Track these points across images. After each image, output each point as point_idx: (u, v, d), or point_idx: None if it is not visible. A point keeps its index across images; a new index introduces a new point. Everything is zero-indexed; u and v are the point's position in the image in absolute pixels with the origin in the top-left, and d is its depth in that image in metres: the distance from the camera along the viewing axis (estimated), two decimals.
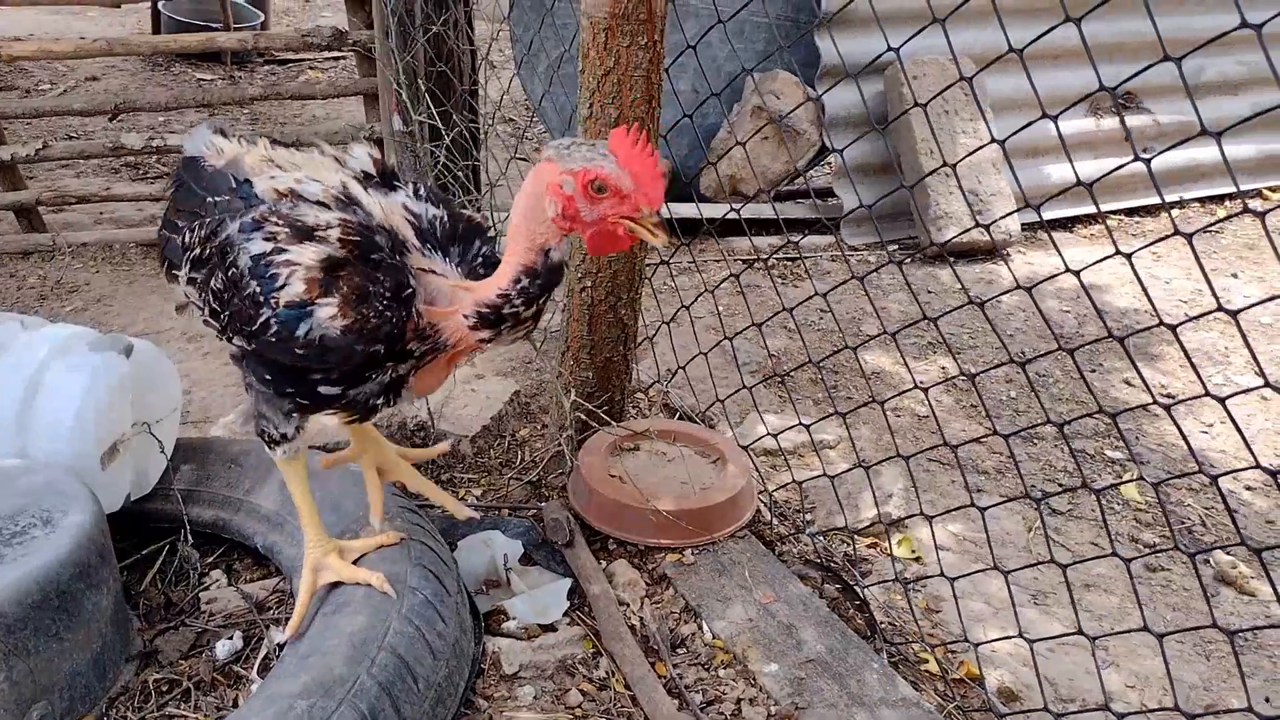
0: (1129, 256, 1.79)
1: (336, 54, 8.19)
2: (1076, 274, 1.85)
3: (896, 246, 4.99)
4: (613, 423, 2.78)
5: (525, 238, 1.66)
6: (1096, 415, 2.02)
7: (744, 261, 4.68)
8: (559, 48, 4.81)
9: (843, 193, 4.93)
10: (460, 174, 4.21)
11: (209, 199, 1.82)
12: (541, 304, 1.72)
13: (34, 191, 4.61)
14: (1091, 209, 5.53)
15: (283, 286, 1.63)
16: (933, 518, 2.21)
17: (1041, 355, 2.01)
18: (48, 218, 4.78)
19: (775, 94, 4.82)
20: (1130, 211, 5.75)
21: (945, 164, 2.05)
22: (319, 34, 4.38)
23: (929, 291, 4.53)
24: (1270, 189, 5.94)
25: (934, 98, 2.24)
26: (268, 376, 1.78)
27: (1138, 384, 3.91)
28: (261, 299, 1.65)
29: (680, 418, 3.21)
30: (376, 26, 4.26)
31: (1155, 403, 1.86)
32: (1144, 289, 1.76)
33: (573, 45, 3.43)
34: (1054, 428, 3.52)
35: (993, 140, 2.00)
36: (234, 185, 1.80)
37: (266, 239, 1.66)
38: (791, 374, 3.64)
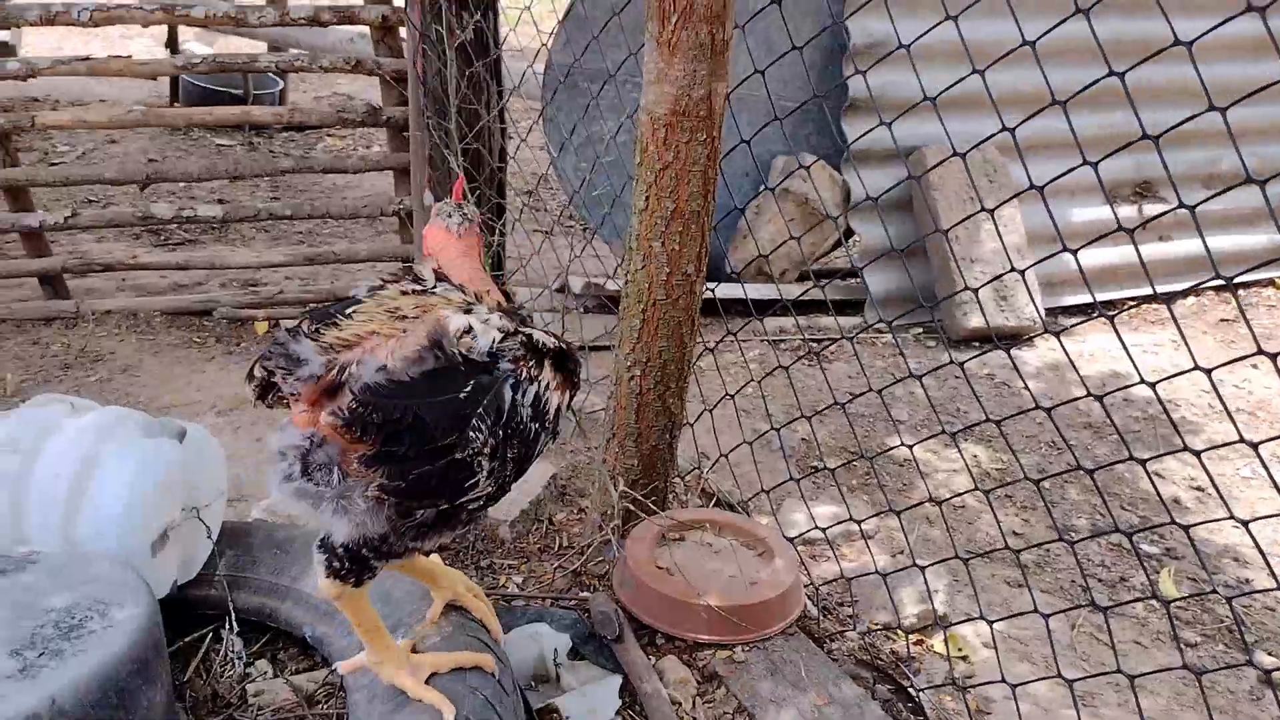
0: (1209, 373, 1.79)
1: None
2: (1153, 387, 1.84)
3: (921, 329, 5.01)
4: (659, 511, 2.75)
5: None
6: (1165, 527, 2.03)
7: (771, 342, 4.69)
8: (585, 127, 4.86)
9: (868, 274, 4.96)
10: (488, 248, 4.23)
11: (462, 396, 1.58)
12: None
13: (60, 258, 4.62)
14: (1111, 295, 5.57)
15: (548, 409, 1.71)
16: (994, 622, 2.17)
17: (1114, 463, 1.99)
18: (70, 284, 4.77)
19: (802, 177, 4.87)
20: (1147, 298, 5.79)
21: (1005, 248, 2.06)
22: (353, 110, 4.42)
23: (955, 376, 4.53)
24: None
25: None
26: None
27: (1168, 475, 3.90)
28: (536, 428, 1.68)
29: (716, 503, 3.19)
30: (411, 103, 4.30)
31: (1232, 518, 1.85)
32: (1217, 393, 1.75)
33: (619, 132, 3.47)
34: (1090, 518, 3.51)
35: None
36: (482, 364, 1.61)
37: (529, 382, 1.65)
38: (838, 468, 3.62)
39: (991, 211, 2.08)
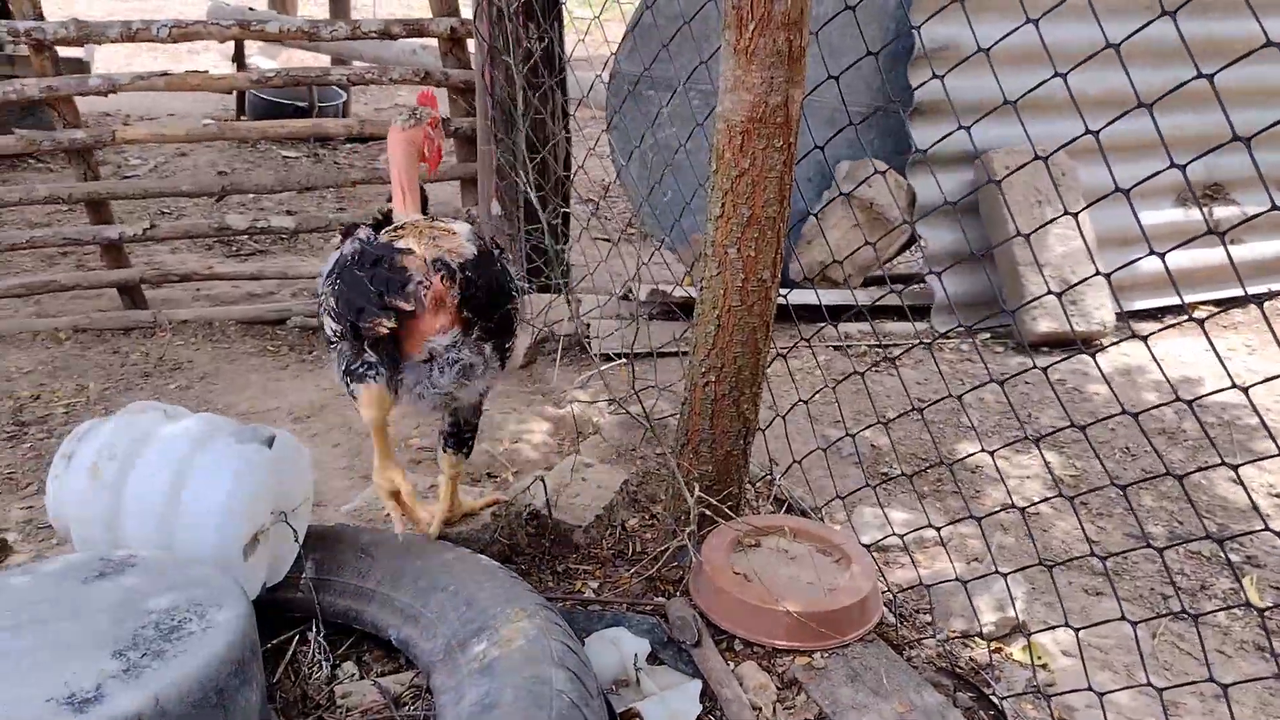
0: None
1: None
2: (1246, 391, 1.82)
3: (988, 335, 4.96)
4: (734, 517, 2.76)
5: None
6: (1248, 535, 2.00)
7: (836, 347, 4.68)
8: (650, 135, 4.88)
9: (933, 280, 4.93)
10: (553, 255, 4.28)
11: (498, 267, 2.39)
12: None
13: (138, 269, 4.73)
14: (1180, 300, 5.47)
15: None
16: (1079, 629, 2.15)
17: (1206, 468, 1.96)
18: (147, 294, 4.88)
19: (866, 182, 4.85)
20: (1218, 303, 5.70)
21: (1090, 252, 2.04)
22: None
23: (1025, 382, 4.49)
24: None
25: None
26: None
27: (1246, 482, 3.82)
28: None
29: (788, 509, 3.19)
30: (478, 114, 4.36)
31: None
32: None
33: (690, 139, 3.49)
34: (1166, 525, 3.46)
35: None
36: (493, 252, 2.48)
37: (508, 263, 2.50)
38: (915, 474, 3.60)
39: (1076, 215, 2.06)
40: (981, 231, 4.99)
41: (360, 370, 2.23)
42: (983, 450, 2.33)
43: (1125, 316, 5.34)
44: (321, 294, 2.30)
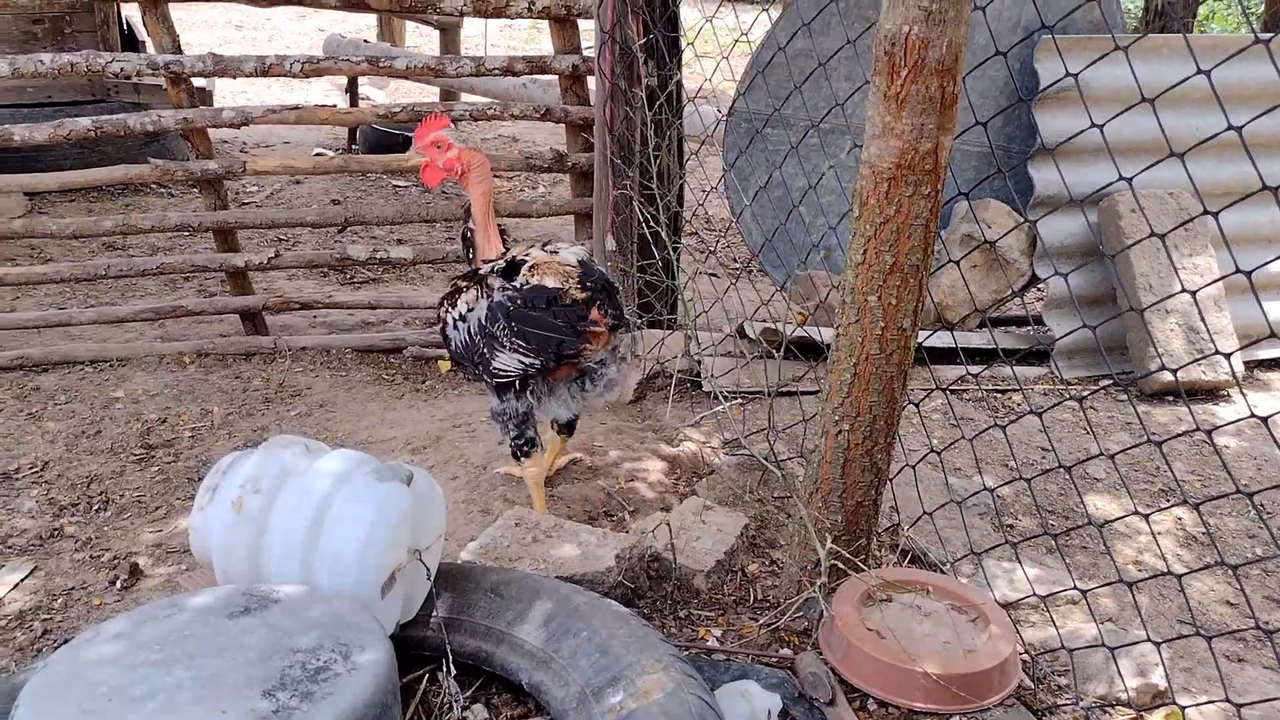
0: None
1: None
2: None
3: (1110, 382, 4.82)
4: (864, 569, 2.70)
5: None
6: None
7: (953, 391, 4.58)
8: (766, 170, 4.86)
9: (1054, 322, 4.81)
10: (677, 290, 4.27)
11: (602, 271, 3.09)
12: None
13: (261, 296, 4.84)
14: None
15: None
16: (1241, 706, 2.05)
17: None
18: (266, 320, 4.99)
19: (986, 223, 4.76)
20: None
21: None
22: (541, 157, 4.52)
23: (1151, 433, 4.33)
24: None
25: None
26: None
27: None
28: None
29: (912, 561, 3.11)
30: (597, 150, 4.38)
31: None
32: None
33: (806, 176, 3.45)
34: None
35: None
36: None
37: None
38: (1060, 534, 3.49)
39: (1250, 273, 1.98)
40: (1101, 274, 4.85)
41: (526, 445, 3.08)
42: (1136, 513, 2.24)
43: (1250, 365, 5.15)
44: (480, 340, 2.87)
